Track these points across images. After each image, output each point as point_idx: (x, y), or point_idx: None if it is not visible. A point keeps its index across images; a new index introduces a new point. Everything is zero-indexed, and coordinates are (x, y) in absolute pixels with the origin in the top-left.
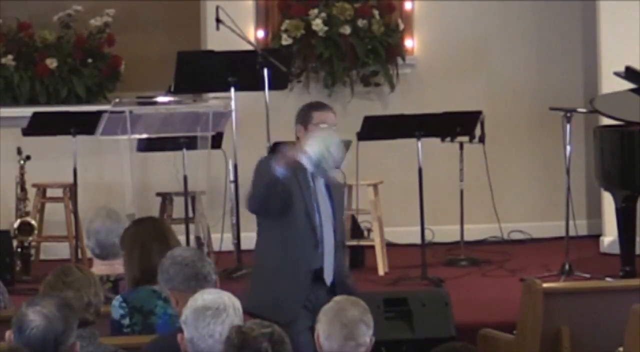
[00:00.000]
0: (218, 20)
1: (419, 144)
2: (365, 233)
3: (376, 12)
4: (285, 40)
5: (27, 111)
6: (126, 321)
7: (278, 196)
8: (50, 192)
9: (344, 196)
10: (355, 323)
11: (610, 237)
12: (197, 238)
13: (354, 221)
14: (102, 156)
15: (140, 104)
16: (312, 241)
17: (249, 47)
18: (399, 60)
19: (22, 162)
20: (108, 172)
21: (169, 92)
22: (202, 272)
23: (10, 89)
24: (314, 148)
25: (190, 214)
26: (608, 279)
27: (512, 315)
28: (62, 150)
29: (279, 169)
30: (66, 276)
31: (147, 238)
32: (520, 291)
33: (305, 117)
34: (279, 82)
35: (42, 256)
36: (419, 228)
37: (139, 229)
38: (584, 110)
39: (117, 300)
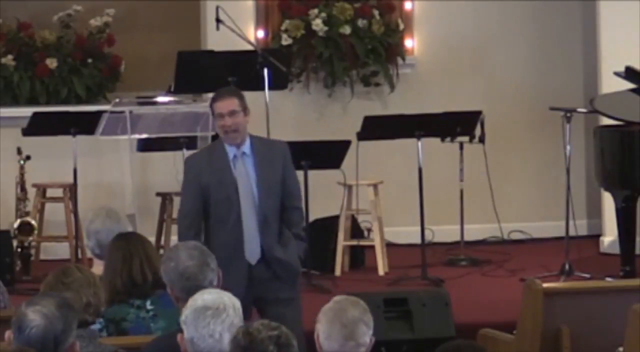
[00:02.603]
0: (218, 20)
1: (419, 144)
2: (365, 233)
3: (376, 12)
4: (285, 40)
5: (27, 111)
6: (104, 334)
7: None
8: (50, 192)
9: (283, 156)
10: (355, 323)
11: (610, 237)
12: None
13: (354, 220)
14: (102, 156)
15: (140, 104)
16: (238, 228)
17: (249, 47)
18: (399, 60)
19: (22, 162)
20: (108, 172)
21: (169, 92)
22: (202, 285)
23: (10, 89)
24: None
25: None
26: (608, 279)
27: (512, 315)
28: (62, 150)
29: None
30: (65, 276)
31: (116, 261)
32: (520, 291)
33: (211, 109)
34: (279, 82)
35: (42, 256)
36: (419, 228)
37: (112, 251)
38: (584, 110)
39: None
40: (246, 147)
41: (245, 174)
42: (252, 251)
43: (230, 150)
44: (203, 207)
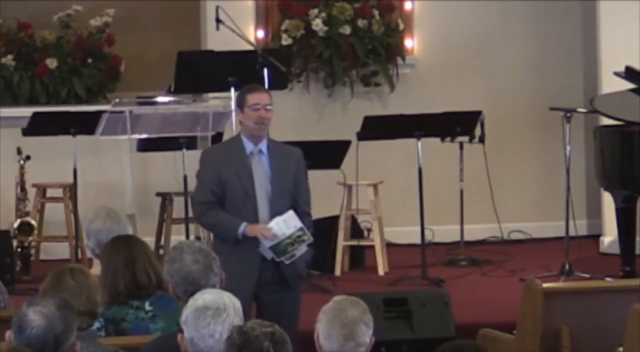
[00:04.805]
0: (218, 20)
1: (419, 144)
2: (365, 233)
3: (376, 12)
4: (285, 40)
5: (27, 111)
6: (102, 333)
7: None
8: (50, 192)
9: (297, 162)
10: (355, 323)
11: (610, 237)
12: (197, 238)
13: (354, 220)
14: (102, 156)
15: (140, 104)
16: (253, 219)
17: (249, 47)
18: (399, 60)
19: (22, 162)
20: (108, 172)
21: (169, 92)
22: (205, 288)
23: (10, 89)
24: (280, 237)
25: (190, 214)
26: (608, 279)
27: (512, 315)
28: (62, 150)
29: (241, 235)
30: (58, 284)
31: (117, 264)
32: (520, 291)
33: (241, 100)
34: (279, 82)
35: (42, 256)
36: (419, 228)
37: (112, 253)
38: (584, 110)
39: None
40: (263, 145)
41: (260, 170)
42: (265, 245)
43: (248, 146)
44: (220, 199)
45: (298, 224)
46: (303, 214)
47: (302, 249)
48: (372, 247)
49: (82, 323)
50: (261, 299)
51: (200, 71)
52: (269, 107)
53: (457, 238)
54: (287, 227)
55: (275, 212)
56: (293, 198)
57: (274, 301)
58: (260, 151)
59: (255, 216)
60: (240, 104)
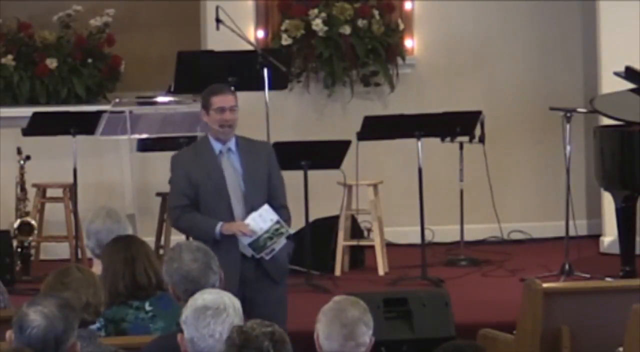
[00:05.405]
0: (218, 20)
1: (419, 144)
2: (365, 233)
3: (376, 12)
4: (285, 40)
5: (27, 111)
6: (102, 333)
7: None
8: (50, 192)
9: (268, 156)
10: (355, 323)
11: (610, 237)
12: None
13: (354, 220)
14: (102, 156)
15: (140, 104)
16: (228, 217)
17: (249, 47)
18: (399, 60)
19: (22, 162)
20: (108, 172)
21: (169, 92)
22: (204, 287)
23: (10, 89)
24: (258, 232)
25: None
26: (608, 279)
27: (512, 315)
28: (62, 150)
29: (218, 234)
30: (65, 276)
31: (117, 264)
32: (520, 291)
33: (206, 102)
34: (279, 82)
35: (42, 256)
36: (419, 228)
37: (112, 253)
38: (584, 110)
39: None
40: (232, 143)
41: (232, 168)
42: (244, 243)
43: (216, 146)
44: (193, 201)
45: (274, 217)
46: (279, 207)
47: (282, 242)
48: (372, 247)
49: (88, 316)
50: (247, 298)
51: (200, 71)
52: (234, 109)
53: (457, 238)
54: (264, 221)
55: (250, 209)
56: (268, 193)
57: (260, 300)
58: (230, 149)
59: (230, 214)
60: (205, 106)
